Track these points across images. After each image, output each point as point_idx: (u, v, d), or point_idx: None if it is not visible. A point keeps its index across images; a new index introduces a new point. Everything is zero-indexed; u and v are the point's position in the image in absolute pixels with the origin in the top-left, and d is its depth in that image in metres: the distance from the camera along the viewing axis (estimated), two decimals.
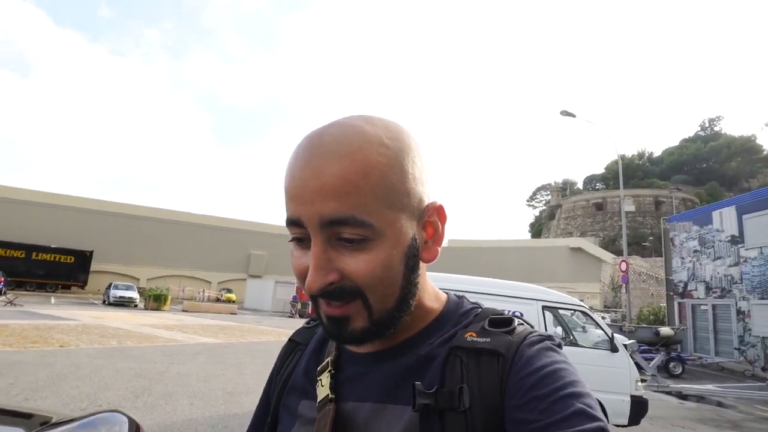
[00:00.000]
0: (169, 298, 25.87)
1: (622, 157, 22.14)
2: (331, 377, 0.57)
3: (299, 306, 29.54)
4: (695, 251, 17.77)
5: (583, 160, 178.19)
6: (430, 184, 0.55)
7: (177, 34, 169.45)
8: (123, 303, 25.10)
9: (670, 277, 19.37)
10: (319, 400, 0.56)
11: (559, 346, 0.54)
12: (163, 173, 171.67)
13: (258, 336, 14.75)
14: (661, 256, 24.39)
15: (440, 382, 0.51)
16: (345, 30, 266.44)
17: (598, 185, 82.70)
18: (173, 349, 10.23)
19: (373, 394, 0.54)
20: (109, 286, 26.85)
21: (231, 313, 26.21)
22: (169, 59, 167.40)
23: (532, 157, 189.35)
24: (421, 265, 0.56)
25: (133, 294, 26.07)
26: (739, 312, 15.36)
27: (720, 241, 16.48)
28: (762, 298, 14.50)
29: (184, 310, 25.37)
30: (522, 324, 0.56)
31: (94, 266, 36.80)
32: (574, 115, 19.77)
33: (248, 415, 5.39)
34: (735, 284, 15.64)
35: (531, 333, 0.54)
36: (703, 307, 17.15)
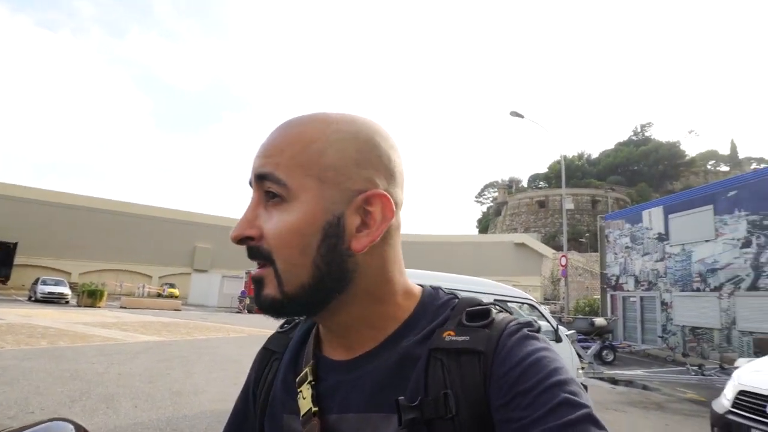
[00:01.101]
0: (106, 293, 24.32)
1: (564, 158, 23.43)
2: (311, 388, 0.55)
3: (248, 301, 28.77)
4: (627, 247, 19.17)
5: (529, 160, 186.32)
6: (385, 177, 0.53)
7: (112, 9, 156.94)
8: (52, 299, 23.26)
9: (605, 271, 20.80)
10: (302, 414, 0.54)
11: (538, 330, 0.53)
12: (100, 158, 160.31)
13: (205, 333, 14.23)
14: (597, 252, 26.12)
15: (424, 390, 0.49)
16: (295, 16, 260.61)
17: (542, 184, 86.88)
18: (112, 349, 9.66)
19: (355, 404, 0.53)
20: (36, 281, 24.86)
21: (174, 310, 25.07)
22: (104, 35, 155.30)
23: (481, 154, 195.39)
24: (388, 257, 0.54)
25: (64, 289, 24.25)
26: (663, 303, 16.79)
27: (648, 238, 17.89)
28: (682, 291, 15.94)
29: (122, 307, 23.95)
30: (501, 311, 0.56)
31: (18, 259, 33.82)
32: (522, 116, 20.61)
33: (199, 416, 5.25)
34: (660, 278, 17.07)
35: (509, 323, 0.52)
36: (632, 299, 18.58)
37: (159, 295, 34.52)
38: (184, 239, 44.51)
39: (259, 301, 0.53)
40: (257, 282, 0.53)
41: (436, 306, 0.57)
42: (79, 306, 22.51)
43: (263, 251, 0.50)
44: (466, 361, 0.50)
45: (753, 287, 13.22)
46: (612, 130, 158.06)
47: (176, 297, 33.19)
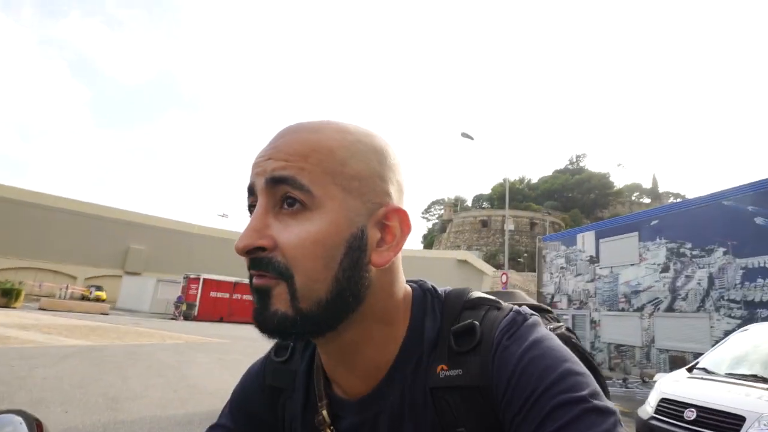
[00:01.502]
0: (23, 293, 22.18)
1: (507, 181, 24.68)
2: (332, 431, 0.56)
3: (184, 307, 27.29)
4: (562, 268, 20.42)
5: (474, 180, 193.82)
6: (397, 191, 0.53)
7: None
8: None
9: (541, 290, 21.98)
10: None
11: (524, 319, 0.52)
12: (24, 147, 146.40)
13: (138, 339, 13.36)
14: (533, 271, 27.56)
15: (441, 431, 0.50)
16: (249, 15, 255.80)
17: (485, 204, 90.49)
18: (33, 352, 8.85)
19: None
20: None
21: (102, 313, 23.35)
22: (37, 15, 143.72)
23: (429, 172, 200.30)
24: (397, 272, 0.54)
25: None
26: (592, 321, 18.01)
27: (581, 260, 19.19)
28: (610, 310, 17.21)
29: (41, 308, 21.96)
30: (486, 311, 0.54)
31: None
32: (472, 138, 21.53)
33: (138, 422, 5.01)
34: (590, 297, 18.32)
35: (494, 336, 0.51)
36: (564, 317, 19.74)
37: (84, 298, 31.90)
38: (116, 239, 41.50)
39: (262, 318, 0.47)
40: (261, 293, 0.47)
41: (424, 316, 0.56)
42: None
43: (276, 264, 0.46)
44: (467, 395, 0.50)
45: (670, 309, 14.54)
46: (551, 157, 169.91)
47: (103, 300, 30.82)
